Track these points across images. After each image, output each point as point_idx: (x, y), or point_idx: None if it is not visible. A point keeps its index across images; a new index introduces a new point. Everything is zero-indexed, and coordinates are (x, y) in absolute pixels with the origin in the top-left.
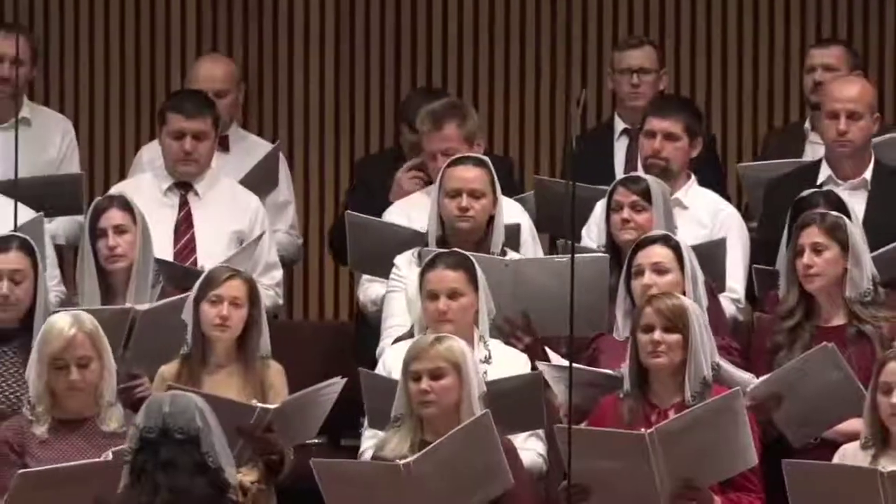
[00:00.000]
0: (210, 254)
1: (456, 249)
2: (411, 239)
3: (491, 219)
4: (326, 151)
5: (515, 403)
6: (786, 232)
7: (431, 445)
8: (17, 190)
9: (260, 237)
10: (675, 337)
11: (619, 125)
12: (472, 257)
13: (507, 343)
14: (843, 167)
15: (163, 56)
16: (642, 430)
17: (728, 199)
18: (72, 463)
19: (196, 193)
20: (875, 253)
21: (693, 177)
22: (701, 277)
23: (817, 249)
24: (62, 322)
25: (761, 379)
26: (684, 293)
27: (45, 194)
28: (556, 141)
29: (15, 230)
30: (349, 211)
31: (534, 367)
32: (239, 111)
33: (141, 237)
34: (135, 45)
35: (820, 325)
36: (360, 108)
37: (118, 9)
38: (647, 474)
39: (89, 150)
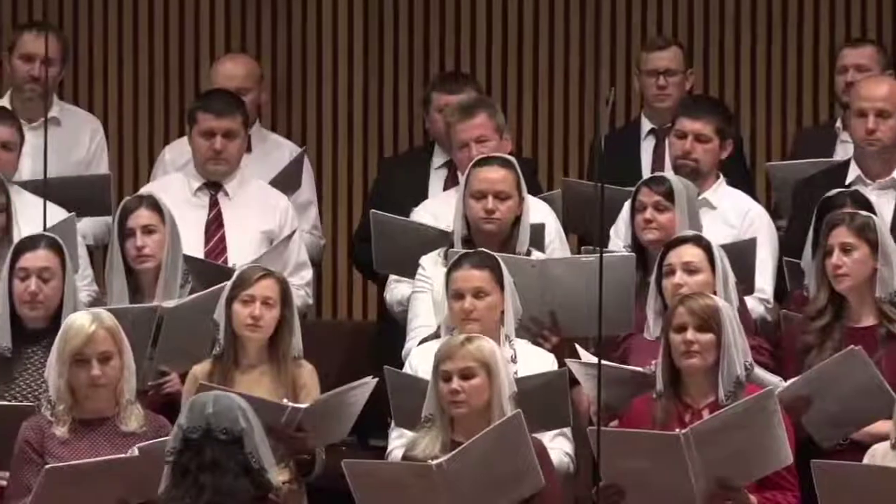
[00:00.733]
0: (241, 254)
1: (482, 249)
2: (437, 238)
3: (517, 219)
4: (355, 152)
5: (541, 401)
6: (811, 231)
7: (463, 445)
8: (46, 190)
9: (291, 236)
10: (707, 337)
11: (646, 125)
12: (498, 257)
13: (534, 343)
14: (871, 166)
15: (192, 56)
16: (677, 430)
17: (756, 199)
18: (99, 458)
19: (226, 193)
20: None
21: (722, 177)
22: (732, 278)
23: (846, 249)
24: (82, 319)
25: (789, 382)
26: (715, 293)
27: (73, 194)
28: (584, 140)
29: (45, 230)
30: (374, 210)
31: (561, 367)
32: (261, 110)
33: (170, 237)
34: (163, 46)
35: (850, 325)
36: (388, 110)
37: (147, 9)
38: (683, 474)
39: (118, 149)
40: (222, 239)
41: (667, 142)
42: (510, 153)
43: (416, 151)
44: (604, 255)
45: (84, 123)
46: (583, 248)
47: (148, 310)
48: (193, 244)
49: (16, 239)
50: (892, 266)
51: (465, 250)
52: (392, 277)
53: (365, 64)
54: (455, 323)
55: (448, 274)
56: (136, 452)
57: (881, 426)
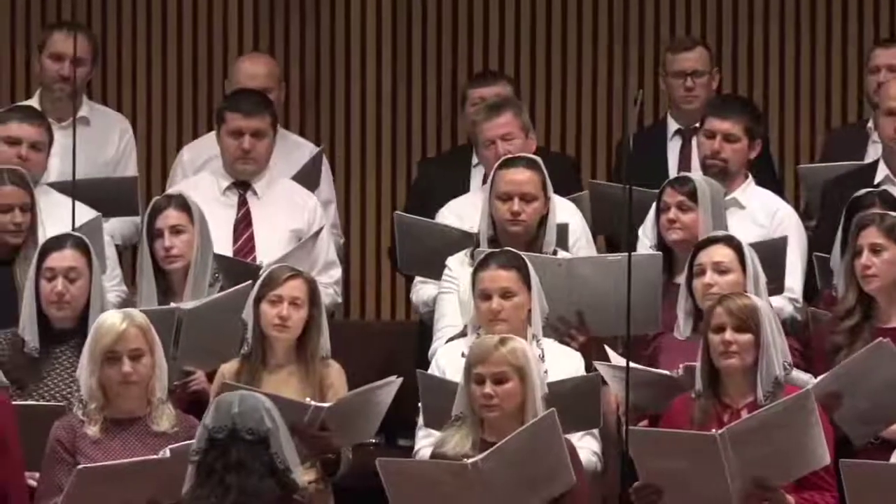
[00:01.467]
0: (269, 253)
1: (508, 249)
2: (461, 240)
3: (543, 219)
4: (383, 153)
5: (572, 403)
6: (840, 231)
7: (498, 444)
8: (75, 190)
9: (318, 233)
10: (746, 337)
11: (673, 126)
12: (525, 256)
13: (561, 342)
14: None
15: (220, 57)
16: (714, 430)
17: (784, 199)
18: (130, 459)
19: (255, 193)
20: None
21: (750, 176)
22: (763, 278)
23: (876, 250)
24: (113, 317)
25: (820, 378)
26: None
27: (101, 195)
28: (612, 140)
29: (73, 229)
30: (398, 212)
31: (588, 366)
32: (280, 110)
33: (199, 237)
34: (192, 46)
35: (879, 325)
36: (416, 111)
37: (176, 9)
38: (719, 475)
39: (146, 149)
40: (251, 238)
41: (694, 141)
42: (535, 152)
43: (456, 151)
44: (631, 254)
45: (113, 123)
46: (615, 256)
47: (167, 311)
48: (222, 243)
49: (41, 239)
50: None
51: (491, 250)
52: (418, 278)
53: (393, 66)
54: (482, 323)
55: (475, 274)
56: (168, 454)
57: None
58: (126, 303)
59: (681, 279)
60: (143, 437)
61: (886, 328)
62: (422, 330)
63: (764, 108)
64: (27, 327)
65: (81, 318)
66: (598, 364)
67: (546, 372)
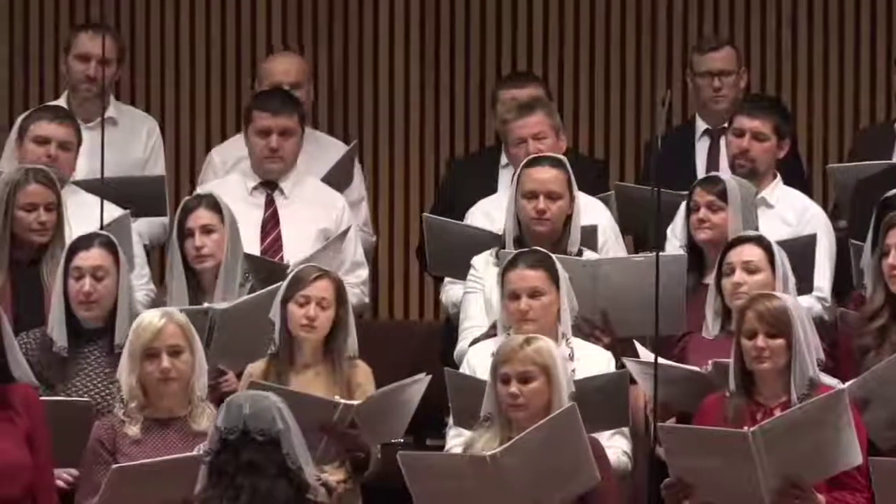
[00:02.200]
0: (296, 252)
1: (536, 248)
2: (488, 241)
3: (568, 218)
4: (411, 153)
5: (601, 401)
6: (870, 232)
7: (517, 437)
8: (103, 188)
9: (345, 232)
10: (778, 342)
11: (701, 126)
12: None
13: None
14: None
15: (248, 56)
16: (745, 428)
17: (812, 199)
18: (165, 457)
19: (282, 192)
20: None
21: (779, 176)
22: (792, 277)
23: None
24: (152, 315)
25: (847, 384)
26: None
27: (129, 195)
28: (640, 140)
29: (101, 228)
30: (426, 214)
31: (618, 365)
32: (309, 108)
33: (229, 236)
34: (220, 46)
35: None
36: (444, 110)
37: (204, 9)
38: (751, 473)
39: (175, 149)
40: (278, 238)
41: (723, 141)
42: (565, 153)
43: (484, 151)
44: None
45: (141, 123)
46: (644, 255)
47: (200, 311)
48: (249, 243)
49: (68, 239)
50: None
51: (518, 250)
52: (448, 279)
53: (421, 66)
54: (511, 323)
55: (503, 274)
56: (202, 451)
57: None
58: (155, 302)
59: (710, 279)
60: (183, 436)
61: None
62: (449, 330)
63: (792, 107)
64: (55, 327)
65: (109, 318)
66: (626, 360)
67: (573, 371)
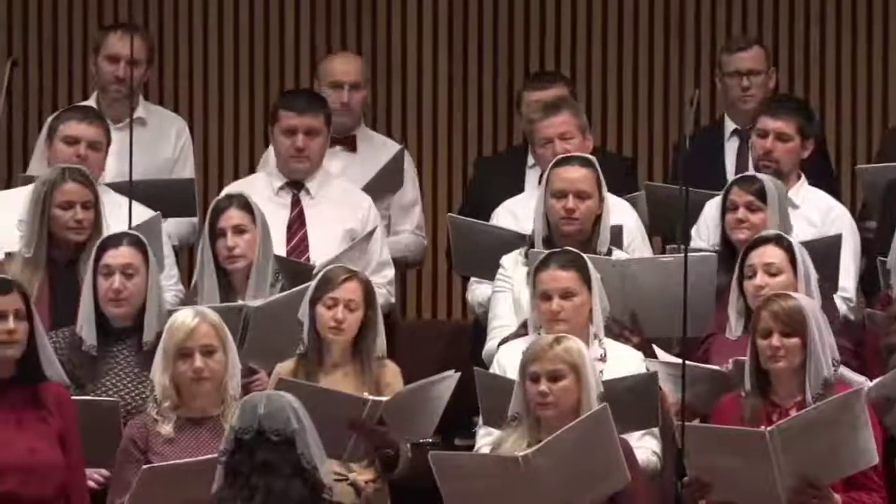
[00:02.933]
0: (322, 252)
1: (568, 248)
2: (514, 241)
3: (597, 218)
4: (439, 154)
5: (630, 402)
6: None
7: (549, 438)
8: (132, 190)
9: (371, 233)
10: (793, 341)
11: (730, 126)
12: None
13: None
14: None
15: (276, 56)
16: (762, 427)
17: (840, 199)
18: (196, 458)
19: (308, 192)
20: None
21: (803, 176)
22: (815, 277)
23: None
24: (185, 314)
25: (873, 383)
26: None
27: (158, 196)
28: (669, 140)
29: (130, 229)
30: (450, 214)
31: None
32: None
33: (260, 237)
34: (248, 45)
35: None
36: (472, 110)
37: (232, 8)
38: (768, 472)
39: (203, 149)
40: (304, 238)
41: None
42: (592, 152)
43: (511, 151)
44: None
45: (170, 124)
46: (667, 247)
47: (234, 309)
48: (276, 243)
49: None
50: None
51: (550, 250)
52: (474, 279)
53: (449, 66)
54: (543, 323)
55: (535, 274)
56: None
57: None
58: (184, 302)
59: None
60: (216, 435)
61: None
62: (477, 329)
63: (820, 107)
64: (84, 326)
65: (138, 317)
66: (649, 362)
67: (601, 372)
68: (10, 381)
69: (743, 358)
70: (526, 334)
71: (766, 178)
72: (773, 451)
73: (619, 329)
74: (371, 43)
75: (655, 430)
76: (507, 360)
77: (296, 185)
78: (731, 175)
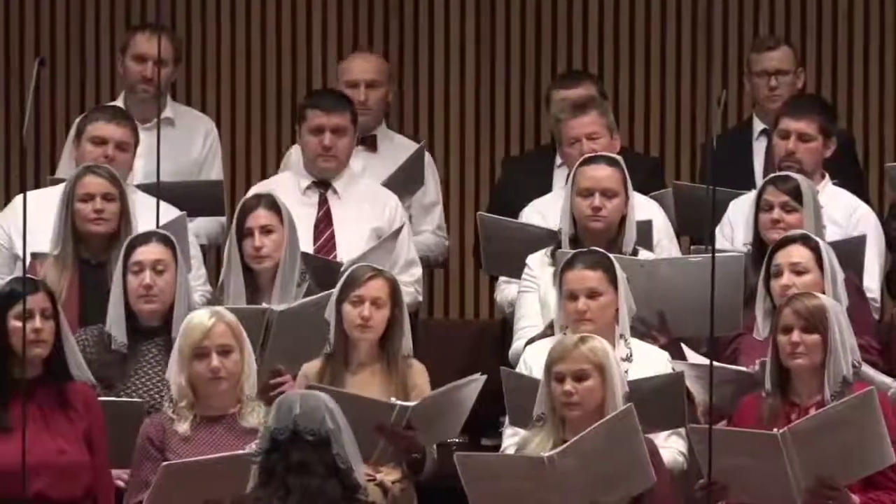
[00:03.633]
0: (350, 251)
1: (595, 248)
2: (545, 238)
3: (623, 218)
4: (466, 154)
5: (656, 402)
6: None
7: (575, 438)
8: (160, 191)
9: (398, 231)
10: (813, 337)
11: (758, 125)
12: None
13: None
14: None
15: (304, 56)
16: (775, 430)
17: (867, 199)
18: (215, 455)
19: (335, 192)
20: None
21: (827, 176)
22: (841, 276)
23: None
24: (201, 314)
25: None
26: (823, 293)
27: (187, 196)
28: (696, 140)
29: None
30: (480, 213)
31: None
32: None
33: (288, 237)
34: (276, 45)
35: None
36: (500, 110)
37: (259, 8)
38: (782, 473)
39: (231, 150)
40: (331, 237)
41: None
42: (619, 152)
43: (539, 151)
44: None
45: (198, 124)
46: (693, 247)
47: (257, 311)
48: (303, 243)
49: None
50: None
51: (576, 250)
52: (502, 278)
53: (477, 65)
54: (568, 323)
55: (561, 274)
56: (253, 448)
57: None
58: (211, 302)
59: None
60: (232, 432)
61: None
62: (505, 329)
63: (848, 106)
64: (114, 325)
65: (168, 315)
66: (676, 363)
67: (627, 372)
68: (38, 381)
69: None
70: (552, 334)
71: (800, 178)
72: (787, 452)
73: (646, 329)
74: (398, 42)
75: (682, 429)
76: (533, 361)
77: (323, 185)
78: (758, 175)
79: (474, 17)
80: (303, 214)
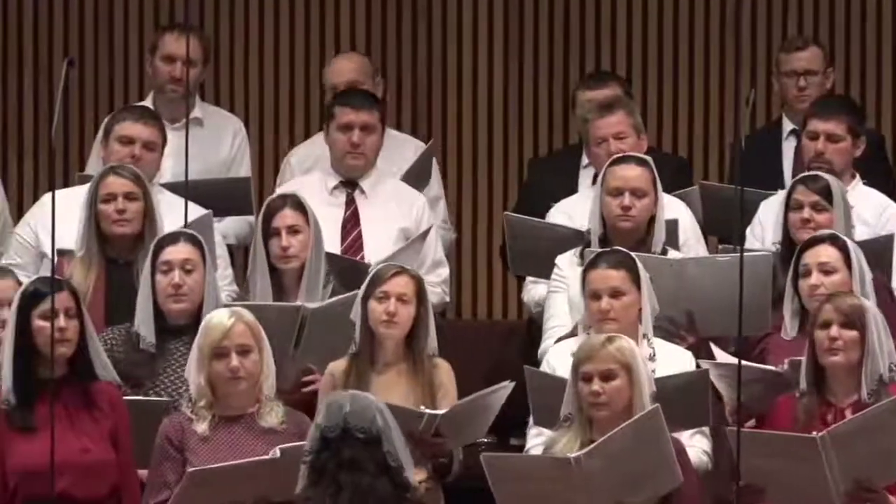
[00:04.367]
0: (377, 251)
1: (618, 248)
2: (571, 238)
3: (652, 218)
4: (495, 153)
5: (681, 401)
6: None
7: (602, 439)
8: (188, 190)
9: (426, 232)
10: (852, 334)
11: (787, 125)
12: (635, 257)
13: (671, 342)
14: None
15: (332, 55)
16: (814, 433)
17: None
18: (241, 461)
19: (362, 191)
20: None
21: (857, 176)
22: (869, 276)
23: None
24: (220, 314)
25: None
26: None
27: (215, 195)
28: (725, 140)
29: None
30: (507, 213)
31: (698, 365)
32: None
33: (314, 237)
34: (304, 46)
35: None
36: (527, 110)
37: (288, 9)
38: (820, 476)
39: (259, 149)
40: (358, 237)
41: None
42: (646, 152)
43: (566, 151)
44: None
45: (226, 124)
46: (721, 246)
47: (291, 309)
48: (330, 242)
49: None
50: None
51: (601, 249)
52: (529, 278)
53: (505, 66)
54: (592, 323)
55: (584, 273)
56: (279, 454)
57: None
58: (238, 302)
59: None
60: (251, 432)
61: None
62: (532, 329)
63: (877, 106)
64: (142, 324)
65: (196, 314)
66: (704, 362)
67: (654, 371)
68: (63, 381)
69: (799, 358)
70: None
71: (830, 178)
72: (826, 455)
73: (674, 329)
74: (427, 43)
75: (706, 429)
76: (556, 360)
77: (350, 184)
78: (787, 175)
79: (502, 19)
80: (330, 214)
